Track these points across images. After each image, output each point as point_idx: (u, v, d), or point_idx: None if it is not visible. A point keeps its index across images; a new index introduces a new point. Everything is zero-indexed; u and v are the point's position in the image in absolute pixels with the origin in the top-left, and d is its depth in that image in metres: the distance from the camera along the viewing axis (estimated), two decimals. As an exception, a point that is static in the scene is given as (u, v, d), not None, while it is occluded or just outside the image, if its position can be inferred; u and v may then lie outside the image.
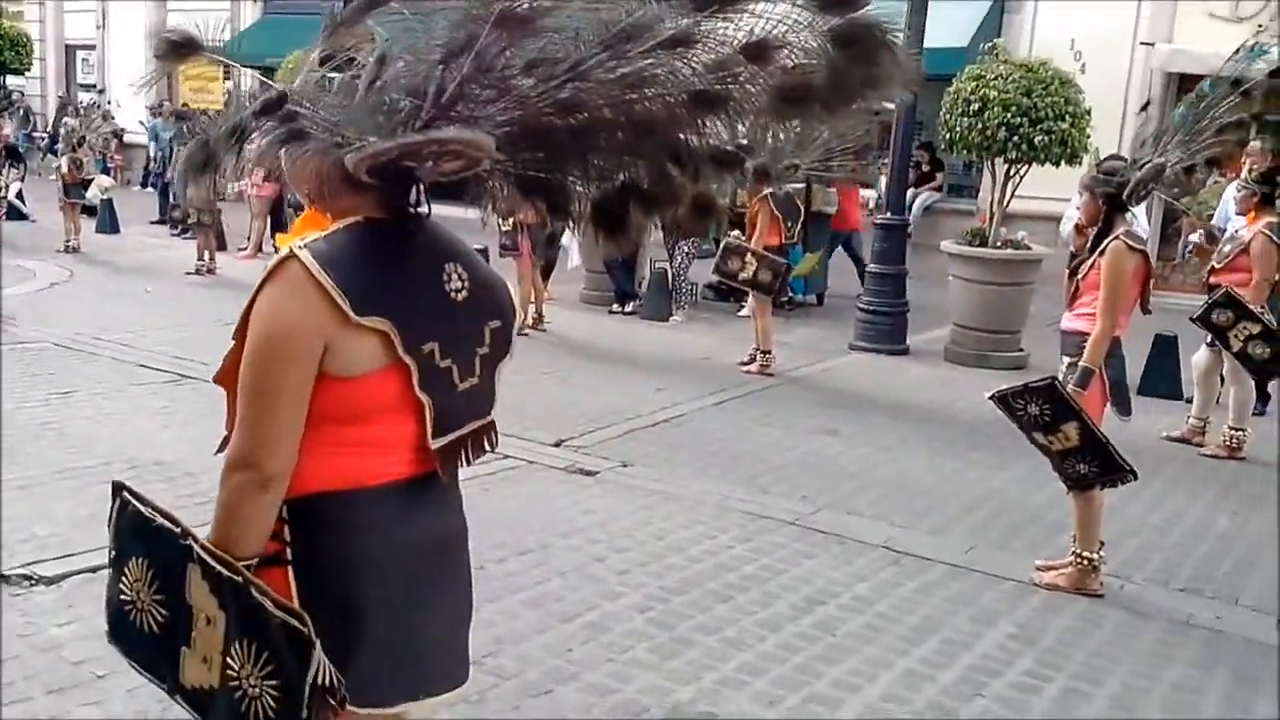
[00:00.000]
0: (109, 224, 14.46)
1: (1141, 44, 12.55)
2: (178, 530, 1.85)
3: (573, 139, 1.83)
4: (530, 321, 9.46)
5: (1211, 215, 8.83)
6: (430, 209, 1.93)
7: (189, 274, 11.63)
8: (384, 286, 1.83)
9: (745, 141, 2.09)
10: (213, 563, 1.77)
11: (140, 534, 1.92)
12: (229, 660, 1.76)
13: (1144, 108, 5.21)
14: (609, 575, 4.43)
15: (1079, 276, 4.64)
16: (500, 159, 1.82)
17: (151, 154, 18.76)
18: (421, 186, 1.89)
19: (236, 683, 1.75)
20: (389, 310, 1.81)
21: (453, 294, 1.91)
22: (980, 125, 8.60)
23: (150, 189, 18.38)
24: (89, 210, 14.00)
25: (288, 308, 1.77)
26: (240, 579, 1.74)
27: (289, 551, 1.83)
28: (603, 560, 4.58)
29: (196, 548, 1.80)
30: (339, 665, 1.78)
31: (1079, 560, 4.48)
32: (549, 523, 4.98)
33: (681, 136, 1.90)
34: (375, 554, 1.86)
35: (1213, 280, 6.77)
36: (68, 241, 12.68)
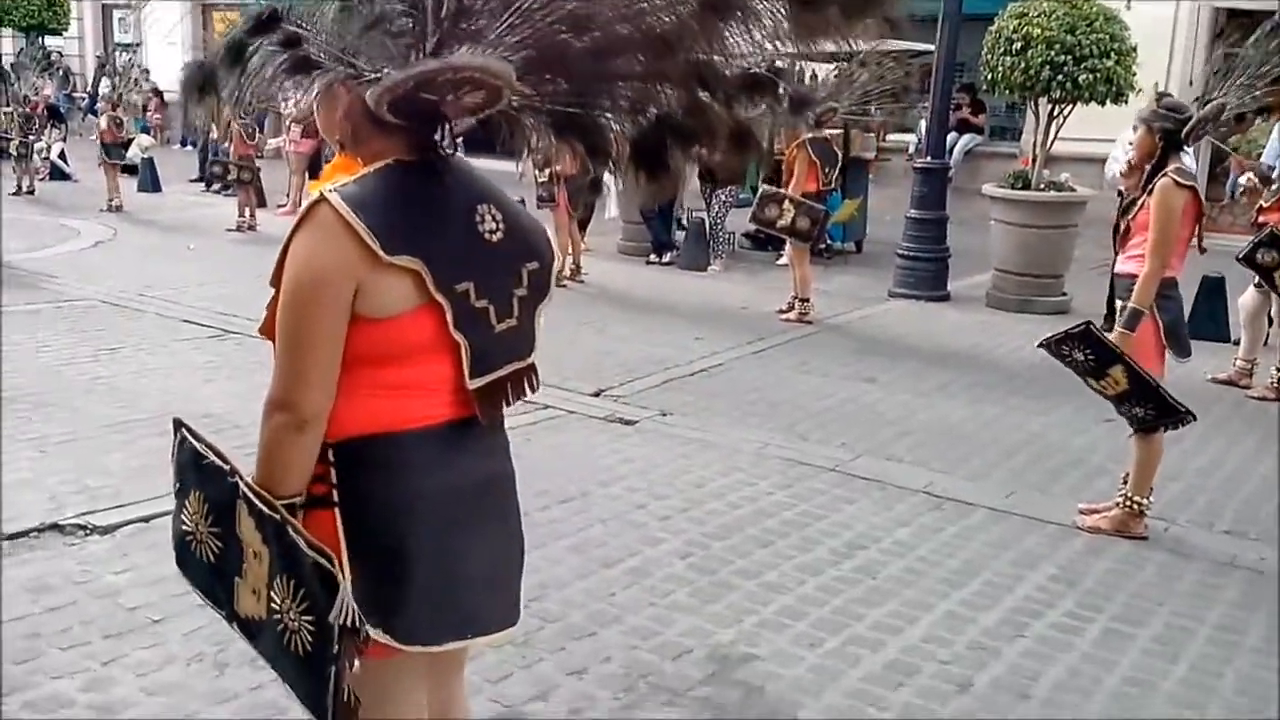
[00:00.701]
0: (150, 182, 14.61)
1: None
2: (226, 468, 1.90)
3: (592, 62, 1.82)
4: (568, 273, 9.47)
5: (1260, 154, 8.64)
6: (459, 149, 1.92)
7: (230, 230, 11.75)
8: (415, 226, 1.82)
9: (778, 65, 2.06)
10: (256, 501, 1.81)
11: (196, 469, 1.97)
12: (273, 594, 1.81)
13: (1220, 33, 5.14)
14: (650, 522, 4.47)
15: (1129, 217, 4.56)
16: (524, 92, 1.81)
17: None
18: (449, 126, 1.88)
19: (279, 616, 1.80)
20: (420, 249, 1.80)
21: (487, 235, 1.90)
22: (1023, 64, 8.44)
23: (190, 147, 18.50)
24: (129, 169, 14.15)
25: (319, 251, 1.78)
26: (279, 517, 1.77)
27: (335, 494, 1.86)
28: (643, 507, 4.62)
29: (242, 485, 1.85)
30: (387, 604, 1.81)
31: (1127, 504, 4.45)
32: (590, 471, 5.02)
33: (704, 57, 1.88)
34: (417, 496, 1.87)
35: (1261, 219, 6.65)
36: (111, 201, 12.83)
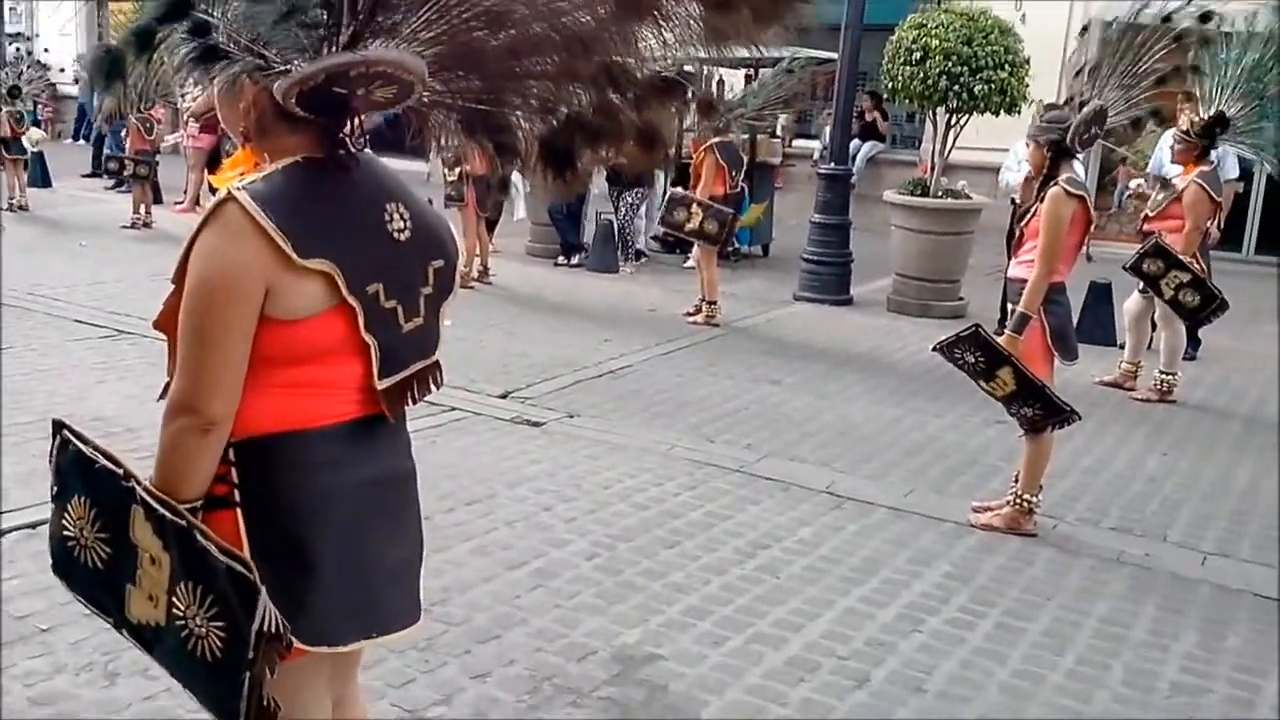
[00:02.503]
0: (40, 177, 14.07)
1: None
2: (120, 472, 1.84)
3: (505, 60, 1.82)
4: (476, 274, 9.42)
5: (1148, 163, 8.98)
6: (368, 144, 1.91)
7: (124, 227, 11.42)
8: (325, 227, 1.80)
9: (687, 69, 2.10)
10: (156, 506, 1.76)
11: (82, 473, 1.91)
12: (174, 600, 1.77)
13: (1083, 30, 5.33)
14: (556, 523, 4.48)
15: (1023, 224, 4.72)
16: (436, 89, 1.81)
17: (94, 104, 18.20)
18: (359, 121, 1.86)
19: (183, 622, 1.76)
20: (332, 251, 1.78)
21: (395, 234, 1.88)
22: (922, 74, 8.65)
23: (83, 141, 17.90)
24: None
25: (227, 250, 1.75)
26: (184, 523, 1.73)
27: (237, 494, 1.83)
28: (550, 509, 4.62)
29: (140, 490, 1.80)
30: (292, 605, 1.79)
31: (1018, 502, 4.60)
32: (496, 473, 5.00)
33: (618, 59, 1.90)
34: (324, 494, 1.86)
35: (1146, 228, 6.91)
36: (13, 199, 12.26)
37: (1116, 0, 5.23)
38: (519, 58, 1.84)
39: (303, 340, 1.81)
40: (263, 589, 1.69)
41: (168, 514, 1.75)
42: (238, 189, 1.76)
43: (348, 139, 1.85)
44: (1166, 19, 4.83)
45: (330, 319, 1.82)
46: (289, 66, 1.71)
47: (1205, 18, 5.15)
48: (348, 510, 1.89)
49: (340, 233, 1.82)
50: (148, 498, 1.78)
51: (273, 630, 1.69)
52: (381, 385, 1.90)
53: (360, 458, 1.91)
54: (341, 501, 1.88)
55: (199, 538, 1.72)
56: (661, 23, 1.89)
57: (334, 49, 1.73)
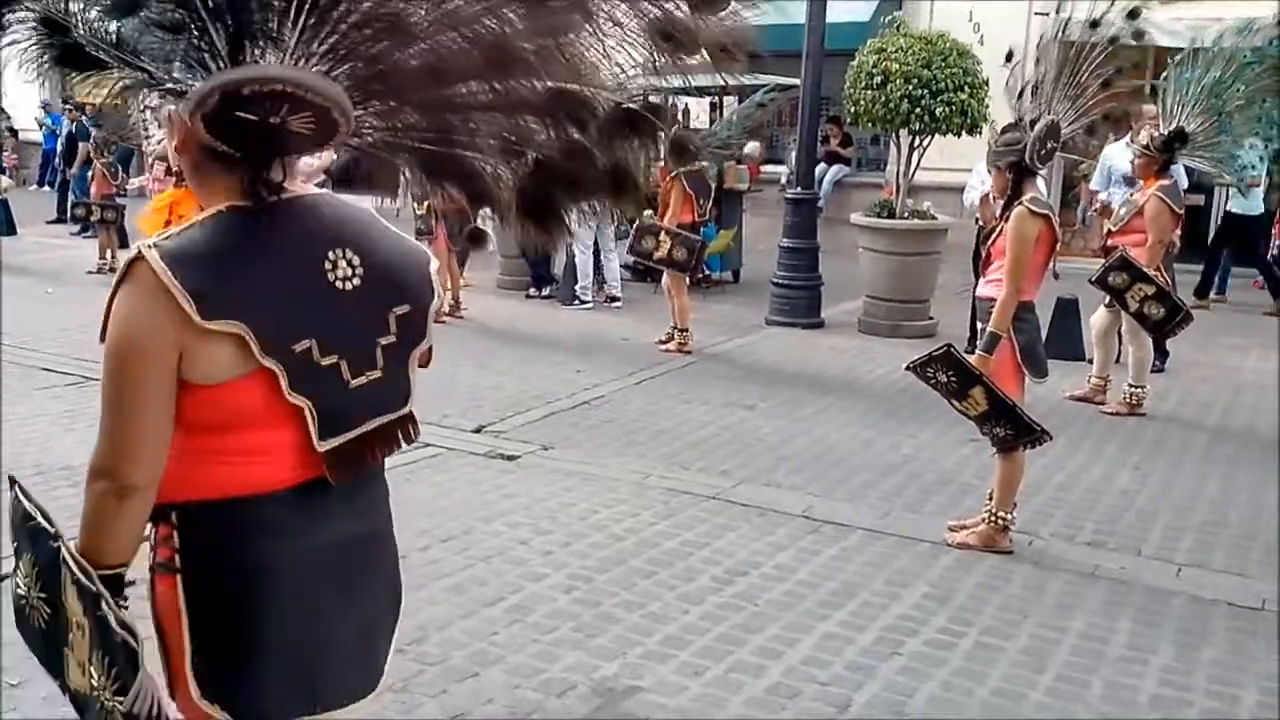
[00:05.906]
0: (4, 225, 13.96)
1: (1035, 14, 12.80)
2: (51, 531, 1.77)
3: (430, 84, 1.75)
4: (447, 309, 9.40)
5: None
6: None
7: (91, 273, 11.33)
8: (242, 284, 1.67)
9: (653, 100, 1.99)
10: (75, 570, 1.68)
11: (25, 531, 1.85)
12: (92, 669, 1.69)
13: (1009, 57, 5.28)
14: (532, 557, 4.45)
15: (989, 243, 4.76)
16: (376, 125, 1.75)
17: (59, 150, 18.11)
18: (287, 161, 1.75)
19: (97, 694, 1.67)
20: (244, 311, 1.66)
21: (338, 284, 1.75)
22: (883, 98, 8.74)
23: (48, 188, 17.78)
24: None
25: (134, 312, 1.65)
26: (94, 589, 1.65)
27: (178, 559, 1.75)
28: (526, 543, 4.60)
29: (64, 551, 1.71)
30: (231, 678, 1.74)
31: (992, 519, 4.61)
32: (471, 509, 4.97)
33: (567, 86, 1.82)
34: (267, 561, 1.76)
35: (1110, 242, 6.99)
36: None
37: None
38: (444, 81, 1.76)
39: (225, 405, 1.71)
40: (142, 668, 1.61)
41: (83, 578, 1.67)
42: (148, 246, 1.66)
43: (270, 181, 1.71)
44: (1095, 24, 4.88)
45: (248, 383, 1.70)
46: (183, 86, 1.64)
47: (1133, 14, 5.19)
48: (294, 580, 1.78)
49: (260, 288, 1.69)
50: (69, 560, 1.70)
51: (152, 714, 1.62)
52: (324, 447, 1.76)
53: (308, 524, 1.79)
54: (285, 572, 1.77)
55: (103, 605, 1.63)
56: (586, 24, 1.80)
57: (221, 65, 1.64)
